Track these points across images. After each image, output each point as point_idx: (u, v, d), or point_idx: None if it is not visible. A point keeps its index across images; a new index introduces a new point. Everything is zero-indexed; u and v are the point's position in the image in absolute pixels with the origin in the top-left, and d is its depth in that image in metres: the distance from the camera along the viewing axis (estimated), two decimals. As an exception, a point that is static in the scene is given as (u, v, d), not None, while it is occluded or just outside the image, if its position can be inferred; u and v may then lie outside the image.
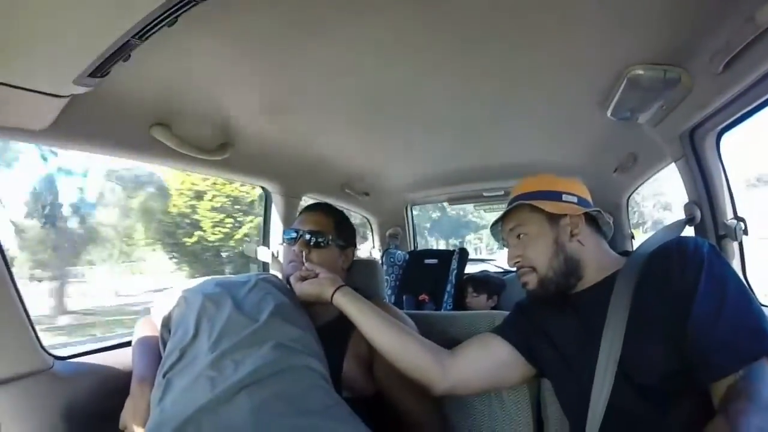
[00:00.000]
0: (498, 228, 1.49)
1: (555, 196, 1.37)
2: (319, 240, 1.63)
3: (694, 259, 1.13)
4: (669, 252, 1.20)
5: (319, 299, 1.47)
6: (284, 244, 1.71)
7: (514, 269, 1.43)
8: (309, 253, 1.60)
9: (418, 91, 1.75)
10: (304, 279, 1.52)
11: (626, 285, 1.20)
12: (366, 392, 1.51)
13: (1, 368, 1.26)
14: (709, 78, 1.44)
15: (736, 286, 1.10)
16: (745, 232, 1.74)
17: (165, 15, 0.92)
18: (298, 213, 1.92)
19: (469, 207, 4.48)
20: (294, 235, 1.65)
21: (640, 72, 1.52)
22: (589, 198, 1.42)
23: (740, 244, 1.80)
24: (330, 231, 1.67)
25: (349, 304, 1.43)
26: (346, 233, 1.74)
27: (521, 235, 1.38)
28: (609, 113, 1.84)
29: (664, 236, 1.35)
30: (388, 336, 1.40)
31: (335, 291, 1.46)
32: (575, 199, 1.37)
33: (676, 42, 1.38)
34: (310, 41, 1.32)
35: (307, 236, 1.62)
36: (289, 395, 1.13)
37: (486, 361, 1.43)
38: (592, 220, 1.38)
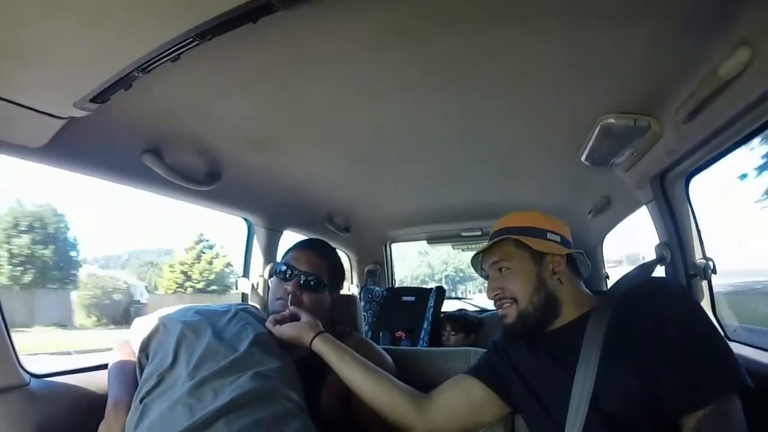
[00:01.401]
0: (479, 259, 1.50)
1: (540, 233, 1.39)
2: (314, 283, 1.60)
3: (667, 297, 1.19)
4: (641, 291, 1.26)
5: (298, 343, 1.46)
6: (273, 277, 1.66)
7: (493, 303, 1.44)
8: (301, 294, 1.57)
9: (401, 130, 1.80)
10: (279, 321, 1.49)
11: (599, 323, 1.23)
12: (343, 424, 1.50)
13: None
14: (676, 126, 1.51)
15: (706, 324, 1.15)
16: (714, 271, 1.81)
17: (170, 51, 0.97)
18: (284, 247, 1.90)
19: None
20: (285, 269, 1.61)
21: (612, 120, 1.58)
22: (570, 238, 1.45)
23: (709, 283, 1.86)
24: (325, 275, 1.64)
25: (329, 351, 1.43)
26: (338, 277, 1.73)
27: (503, 269, 1.39)
28: (583, 158, 1.90)
29: (635, 276, 1.40)
30: (368, 383, 1.41)
31: (314, 337, 1.46)
32: (559, 239, 1.40)
33: (646, 93, 1.45)
34: (299, 79, 1.37)
35: (302, 278, 1.59)
36: (267, 424, 1.14)
37: (462, 403, 1.44)
38: (570, 259, 1.41)
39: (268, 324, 1.48)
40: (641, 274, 1.42)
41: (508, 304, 1.38)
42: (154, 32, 0.92)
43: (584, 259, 1.43)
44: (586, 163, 1.94)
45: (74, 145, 1.41)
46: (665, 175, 1.84)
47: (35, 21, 0.87)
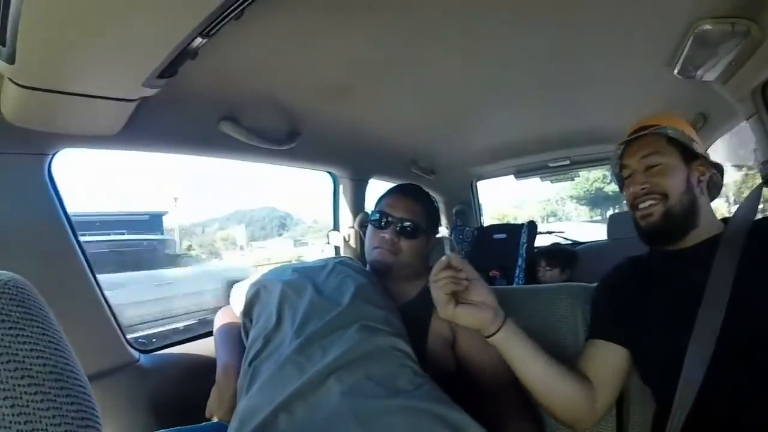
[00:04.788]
0: (619, 152, 1.35)
1: (689, 139, 1.27)
2: (411, 229, 1.55)
3: None
4: None
5: (479, 330, 1.19)
6: (369, 226, 1.63)
7: (630, 203, 1.32)
8: (398, 242, 1.54)
9: (481, 66, 1.74)
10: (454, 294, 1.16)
11: (733, 248, 1.15)
12: (449, 370, 1.48)
13: (90, 364, 1.30)
14: None
15: None
16: None
17: (231, 10, 0.94)
18: (370, 195, 1.89)
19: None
20: (379, 217, 1.57)
21: (708, 27, 1.45)
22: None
23: None
24: (421, 219, 1.58)
25: (515, 347, 1.19)
26: (435, 221, 1.69)
27: (654, 165, 1.27)
28: (676, 72, 1.77)
29: (753, 203, 1.28)
30: (547, 382, 1.22)
31: (499, 328, 1.18)
32: (703, 151, 1.29)
33: None
34: (370, 21, 1.33)
35: (399, 225, 1.55)
36: (379, 377, 1.11)
37: (612, 375, 1.29)
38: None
39: (441, 295, 1.15)
40: (755, 199, 1.30)
41: (655, 202, 1.25)
42: None
43: (720, 180, 1.31)
44: (679, 77, 1.81)
45: (150, 125, 1.43)
46: (768, 86, 1.68)
47: (89, 11, 0.87)
